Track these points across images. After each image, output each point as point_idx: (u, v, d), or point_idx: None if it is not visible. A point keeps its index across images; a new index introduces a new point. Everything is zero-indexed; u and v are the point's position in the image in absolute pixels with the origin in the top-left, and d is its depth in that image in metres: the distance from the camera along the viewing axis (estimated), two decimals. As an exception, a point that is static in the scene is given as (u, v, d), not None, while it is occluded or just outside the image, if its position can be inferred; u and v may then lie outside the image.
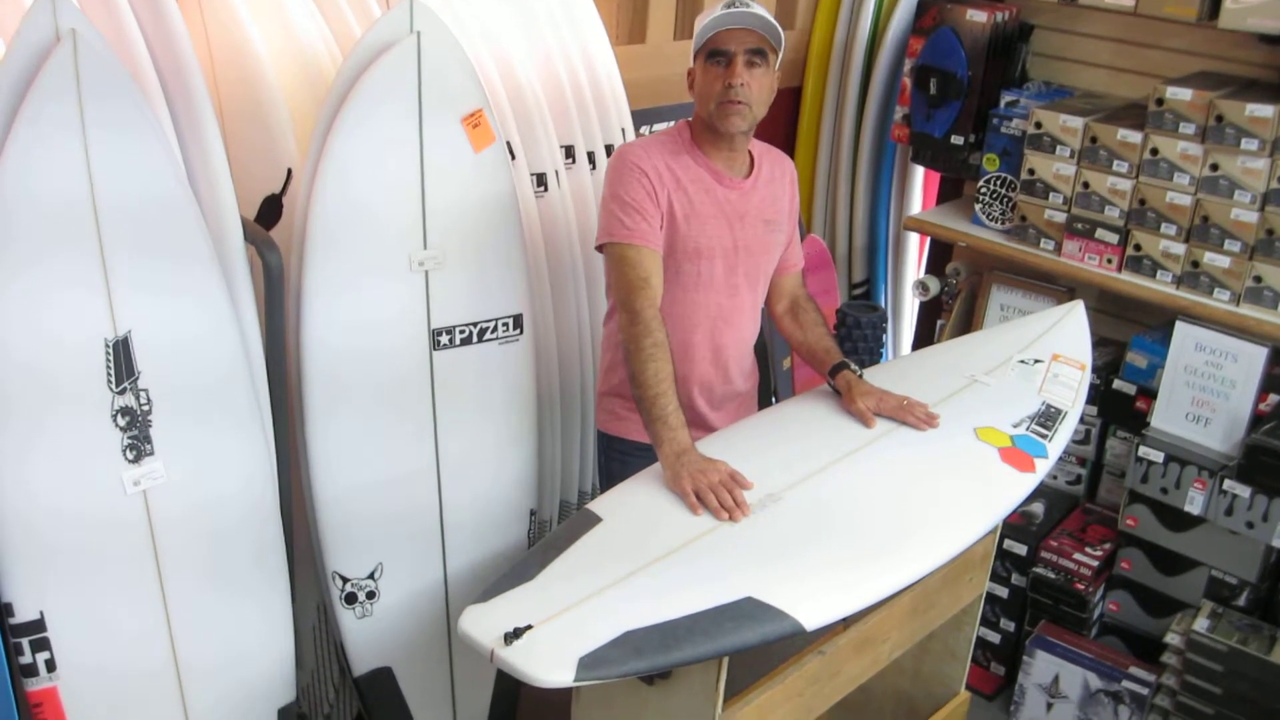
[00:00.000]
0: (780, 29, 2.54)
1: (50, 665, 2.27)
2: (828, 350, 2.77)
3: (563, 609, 1.97)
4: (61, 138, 2.09)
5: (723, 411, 2.79)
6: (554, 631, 1.92)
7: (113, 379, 2.23)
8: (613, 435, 2.79)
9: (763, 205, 2.68)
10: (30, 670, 2.26)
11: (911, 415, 2.61)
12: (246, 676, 2.57)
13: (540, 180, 3.07)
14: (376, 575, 2.76)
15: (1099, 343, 3.32)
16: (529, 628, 1.91)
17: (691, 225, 2.59)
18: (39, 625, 2.25)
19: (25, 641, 2.24)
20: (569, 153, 3.19)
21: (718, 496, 2.24)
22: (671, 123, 3.79)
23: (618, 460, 2.76)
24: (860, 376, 2.69)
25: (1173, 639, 3.17)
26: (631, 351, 2.43)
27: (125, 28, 2.30)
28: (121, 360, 2.24)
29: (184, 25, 2.36)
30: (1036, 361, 2.92)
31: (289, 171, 2.65)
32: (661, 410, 2.37)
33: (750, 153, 2.70)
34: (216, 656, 2.51)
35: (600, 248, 2.59)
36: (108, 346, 2.22)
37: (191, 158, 2.37)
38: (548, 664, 1.87)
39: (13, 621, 2.23)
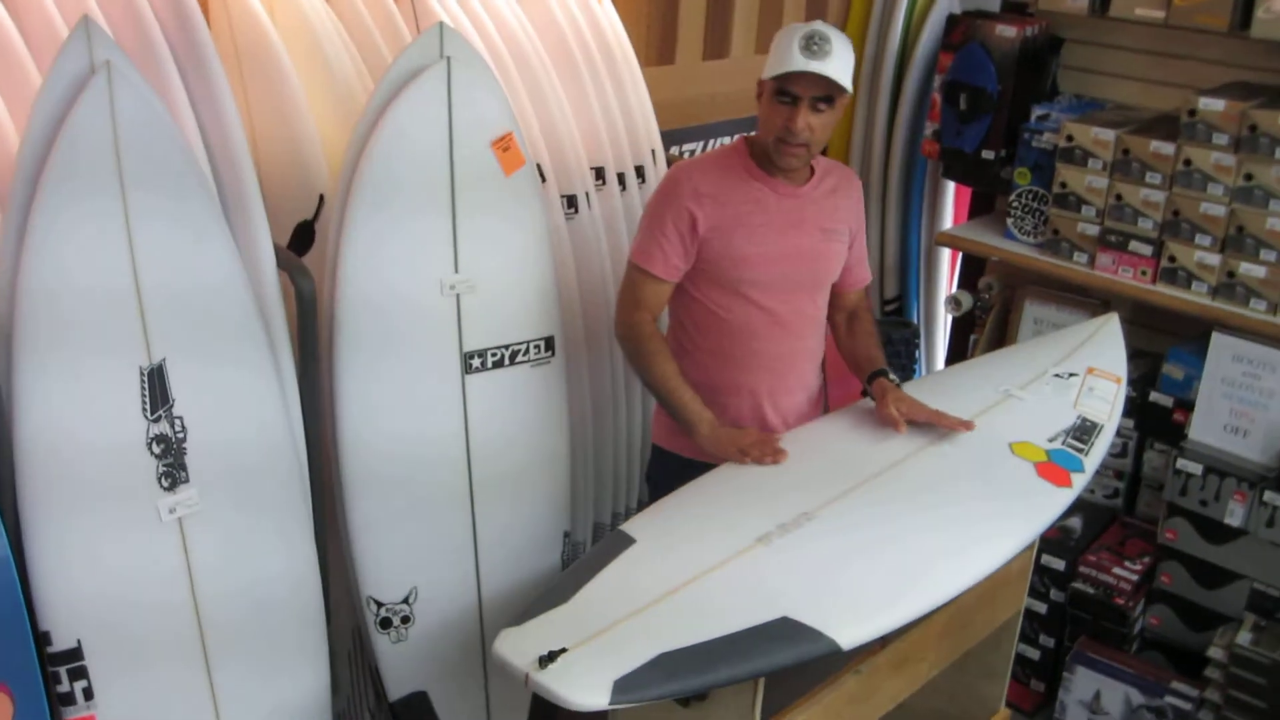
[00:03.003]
0: (852, 65, 2.56)
1: (88, 694, 2.28)
2: (870, 359, 2.81)
3: (597, 631, 1.97)
4: (96, 168, 2.11)
5: (790, 420, 2.79)
6: (589, 654, 1.92)
7: (148, 406, 2.25)
8: (668, 450, 2.81)
9: (820, 213, 2.71)
10: (68, 699, 2.27)
11: (945, 420, 2.65)
12: (283, 702, 2.58)
13: (571, 202, 3.09)
14: (411, 600, 2.77)
15: (1134, 355, 3.29)
16: (564, 651, 1.91)
17: (738, 233, 2.62)
18: (77, 654, 2.25)
19: (63, 670, 2.25)
20: (599, 174, 3.20)
21: (761, 450, 2.50)
22: (702, 143, 3.83)
23: (675, 475, 2.67)
24: (897, 385, 2.72)
25: (1215, 653, 3.14)
26: (635, 360, 2.69)
27: (159, 57, 2.32)
28: (156, 388, 2.25)
29: (217, 54, 2.38)
30: (1071, 375, 2.90)
31: (321, 198, 2.67)
32: (679, 399, 2.60)
33: (812, 165, 2.72)
34: (253, 681, 2.51)
35: None
36: (143, 375, 2.23)
37: (225, 186, 2.39)
38: (583, 687, 1.87)
39: (51, 650, 2.24)
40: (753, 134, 2.70)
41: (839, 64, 2.51)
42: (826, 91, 2.52)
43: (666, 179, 2.69)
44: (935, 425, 2.65)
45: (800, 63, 2.47)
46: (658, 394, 2.66)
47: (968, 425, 2.65)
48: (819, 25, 2.53)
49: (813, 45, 2.48)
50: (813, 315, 2.80)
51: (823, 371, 2.92)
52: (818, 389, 2.89)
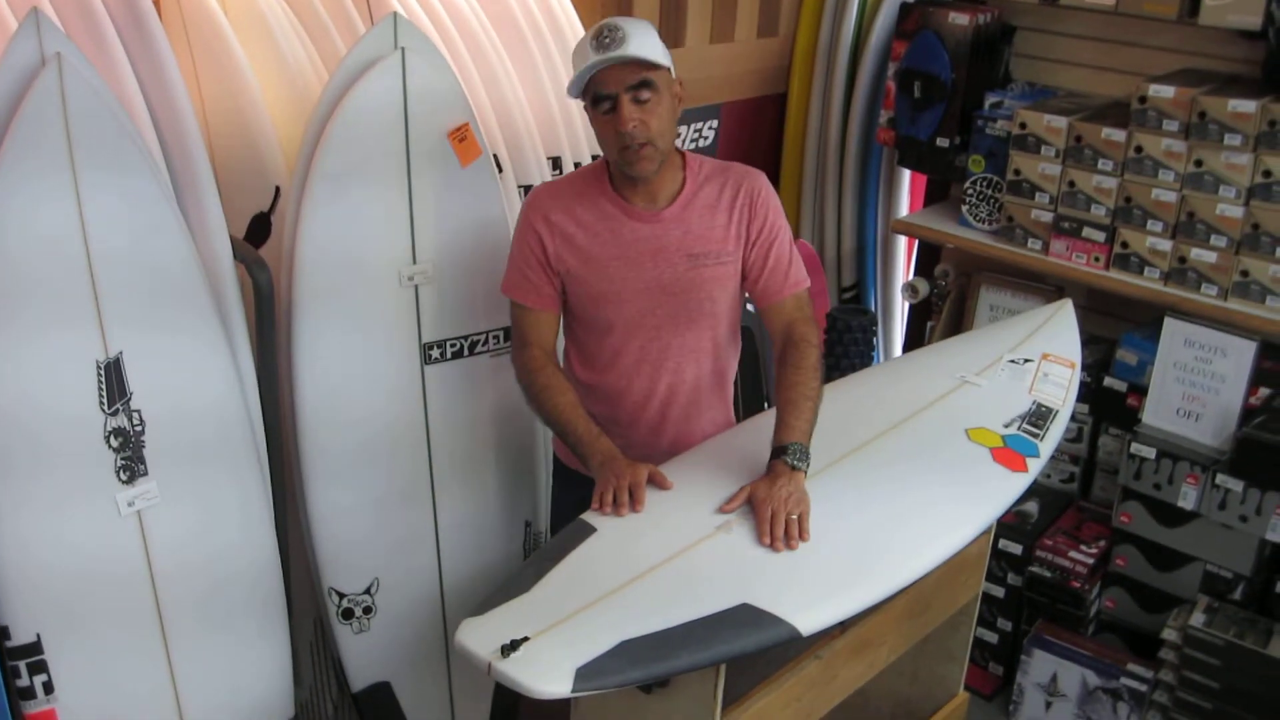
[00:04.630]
0: (659, 44, 2.36)
1: (48, 688, 2.27)
2: (783, 425, 2.36)
3: (559, 620, 1.97)
4: (48, 163, 2.10)
5: (680, 450, 2.57)
6: (551, 642, 1.93)
7: (105, 400, 2.24)
8: (564, 465, 2.72)
9: (687, 238, 2.48)
10: (28, 693, 2.26)
11: (767, 525, 2.20)
12: (244, 694, 2.57)
13: (528, 192, 3.08)
14: (373, 590, 2.76)
15: (1088, 341, 3.33)
16: (526, 639, 1.91)
17: (590, 270, 2.47)
18: (36, 648, 2.25)
19: (23, 664, 2.24)
20: (556, 164, 3.20)
21: (617, 496, 2.26)
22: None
23: (565, 489, 2.71)
24: (793, 468, 2.28)
25: (1170, 635, 3.18)
26: (529, 398, 2.51)
27: (110, 50, 2.30)
28: (113, 381, 2.24)
29: (169, 46, 2.36)
30: (1026, 361, 2.93)
31: (277, 189, 2.66)
32: (574, 433, 2.41)
33: (685, 176, 2.51)
34: (214, 674, 2.51)
35: None
36: (99, 368, 2.22)
37: (179, 177, 2.38)
38: (545, 675, 1.87)
39: (10, 644, 2.23)
40: None
41: (637, 44, 2.29)
42: (638, 76, 2.31)
43: (523, 208, 2.53)
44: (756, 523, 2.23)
45: (595, 60, 2.29)
46: (557, 430, 2.47)
47: (782, 545, 2.18)
48: (609, 20, 2.34)
49: (603, 39, 2.29)
50: (694, 346, 2.56)
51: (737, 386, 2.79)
52: (724, 411, 2.72)
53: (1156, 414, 3.31)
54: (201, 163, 2.39)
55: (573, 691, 1.87)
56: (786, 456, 2.30)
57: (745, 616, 2.02)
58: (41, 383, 2.17)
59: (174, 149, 2.38)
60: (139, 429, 2.29)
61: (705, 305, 2.52)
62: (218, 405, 2.40)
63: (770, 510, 2.21)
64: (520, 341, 2.54)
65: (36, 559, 2.22)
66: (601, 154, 2.48)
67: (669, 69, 2.38)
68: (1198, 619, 3.12)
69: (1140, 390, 3.35)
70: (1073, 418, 3.02)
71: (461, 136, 2.63)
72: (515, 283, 2.53)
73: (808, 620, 2.05)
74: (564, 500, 2.49)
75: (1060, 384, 2.87)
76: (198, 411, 2.37)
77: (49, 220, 2.12)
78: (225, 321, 2.41)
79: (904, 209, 4.51)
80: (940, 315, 3.98)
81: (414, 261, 2.64)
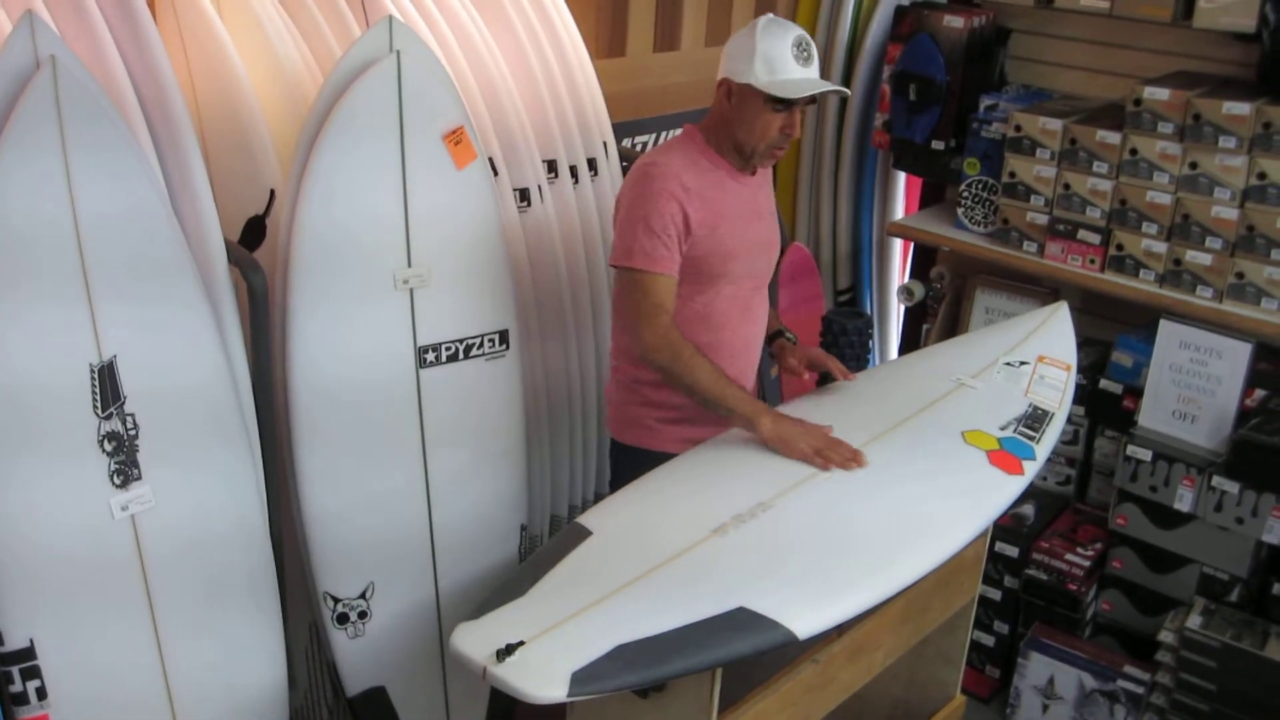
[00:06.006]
0: None
1: (41, 693, 2.26)
2: (772, 316, 2.91)
3: (555, 624, 1.97)
4: (43, 165, 2.09)
5: None
6: (546, 647, 1.92)
7: (98, 404, 2.23)
8: (639, 448, 2.76)
9: (765, 199, 2.79)
10: (21, 699, 2.25)
11: (838, 363, 2.84)
12: (239, 699, 2.57)
13: (523, 195, 3.08)
14: (368, 595, 2.76)
15: (1084, 343, 3.33)
16: (521, 644, 1.90)
17: (721, 229, 2.63)
18: (29, 653, 2.24)
19: (15, 670, 2.23)
20: (551, 167, 3.20)
21: (839, 454, 2.46)
22: (654, 136, 3.83)
23: (635, 470, 2.69)
24: (793, 342, 2.93)
25: (1166, 637, 3.18)
26: (677, 369, 2.55)
27: (104, 52, 2.30)
28: (107, 385, 2.23)
29: (163, 48, 2.36)
30: (1022, 364, 2.93)
31: (271, 192, 2.65)
32: (735, 398, 2.55)
33: None
34: (208, 680, 2.50)
35: (615, 264, 2.63)
36: (92, 371, 2.21)
37: (173, 180, 2.37)
38: (541, 680, 1.87)
39: (2, 650, 2.22)
40: (699, 124, 2.69)
41: (818, 64, 2.61)
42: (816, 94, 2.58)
43: (645, 177, 2.59)
44: (827, 366, 2.84)
45: (799, 72, 2.54)
46: (708, 398, 2.54)
47: (849, 375, 2.83)
48: (799, 30, 2.57)
49: (803, 51, 2.54)
50: (763, 299, 2.84)
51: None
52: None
53: (1152, 416, 3.31)
54: (196, 165, 2.38)
55: (568, 696, 1.86)
56: (787, 334, 2.94)
57: (742, 620, 2.01)
58: (34, 385, 2.16)
59: (169, 154, 2.37)
60: (132, 433, 2.28)
61: (775, 260, 2.86)
62: (212, 408, 2.39)
63: (820, 356, 2.86)
64: (657, 310, 2.56)
65: (30, 563, 2.21)
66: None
67: None
68: (1194, 621, 3.12)
69: (1136, 392, 3.35)
70: (1069, 420, 3.02)
71: (457, 140, 2.63)
72: (650, 250, 2.55)
73: (804, 624, 2.04)
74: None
75: (1056, 386, 2.87)
76: (192, 414, 2.36)
77: (44, 219, 2.11)
78: (220, 323, 2.40)
79: (899, 211, 4.51)
80: (936, 318, 3.98)
81: (409, 264, 2.63)
